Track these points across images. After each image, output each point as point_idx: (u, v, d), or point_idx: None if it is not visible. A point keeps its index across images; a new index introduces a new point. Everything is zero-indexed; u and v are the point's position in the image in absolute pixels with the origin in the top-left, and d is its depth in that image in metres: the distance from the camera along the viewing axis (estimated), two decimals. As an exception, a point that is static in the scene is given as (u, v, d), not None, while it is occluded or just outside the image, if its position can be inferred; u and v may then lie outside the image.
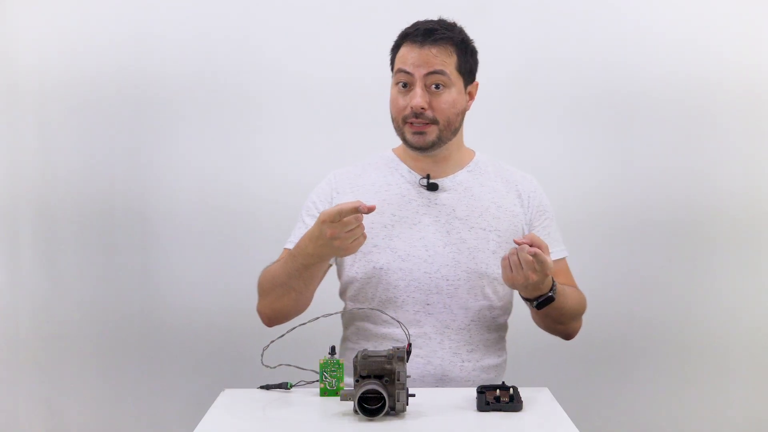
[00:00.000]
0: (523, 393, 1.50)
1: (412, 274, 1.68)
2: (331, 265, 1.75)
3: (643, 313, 2.54)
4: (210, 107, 2.50)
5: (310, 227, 1.63)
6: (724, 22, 2.48)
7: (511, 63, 2.48)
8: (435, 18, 1.72)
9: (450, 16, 1.73)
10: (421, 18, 1.73)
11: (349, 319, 1.79)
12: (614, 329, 2.53)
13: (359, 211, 1.47)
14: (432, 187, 1.73)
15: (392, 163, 1.78)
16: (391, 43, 1.75)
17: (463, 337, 1.69)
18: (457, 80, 1.68)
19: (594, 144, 2.52)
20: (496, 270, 1.70)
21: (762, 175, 2.52)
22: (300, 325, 1.65)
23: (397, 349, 1.41)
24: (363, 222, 1.53)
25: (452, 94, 1.67)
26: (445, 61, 1.65)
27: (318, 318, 1.65)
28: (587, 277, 2.49)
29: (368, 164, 1.80)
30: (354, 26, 2.43)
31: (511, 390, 1.49)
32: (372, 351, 1.44)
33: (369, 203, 1.58)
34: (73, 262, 2.51)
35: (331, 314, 1.65)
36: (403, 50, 1.68)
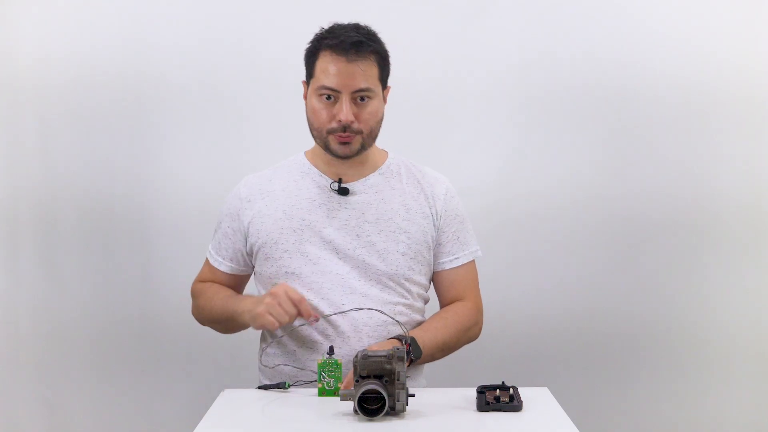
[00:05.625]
0: (523, 393, 1.51)
1: (325, 276, 1.70)
2: (249, 275, 1.82)
3: (641, 314, 2.56)
4: (207, 109, 2.52)
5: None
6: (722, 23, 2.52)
7: (508, 60, 2.51)
8: (351, 24, 1.70)
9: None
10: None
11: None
12: (613, 329, 2.55)
13: (303, 315, 1.61)
14: (342, 192, 1.74)
15: (304, 167, 1.79)
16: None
17: (381, 335, 1.70)
18: (378, 89, 1.70)
19: (589, 144, 2.54)
20: (408, 271, 1.74)
21: (759, 178, 2.54)
22: (300, 325, 1.68)
23: (397, 349, 1.42)
24: (276, 233, 1.66)
25: (375, 104, 1.69)
26: (370, 74, 1.67)
27: (313, 324, 1.67)
28: (586, 278, 2.54)
29: (281, 167, 1.82)
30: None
31: (511, 390, 1.50)
32: (372, 351, 1.45)
33: (280, 209, 1.74)
34: (72, 263, 2.54)
35: (330, 315, 1.68)
36: (326, 61, 1.66)
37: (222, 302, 1.77)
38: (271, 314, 1.58)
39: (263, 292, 1.77)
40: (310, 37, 1.71)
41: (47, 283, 2.53)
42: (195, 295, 1.86)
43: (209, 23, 2.51)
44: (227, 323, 1.77)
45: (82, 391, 2.54)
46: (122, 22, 2.49)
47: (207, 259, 1.86)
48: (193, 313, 1.87)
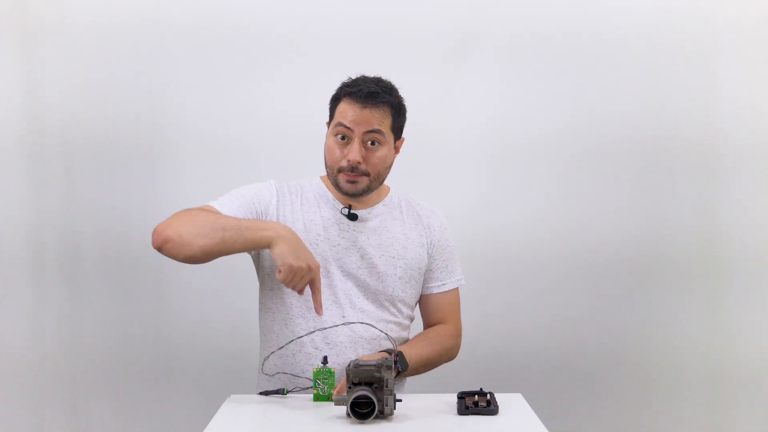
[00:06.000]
0: (499, 398, 1.60)
1: (332, 289, 1.81)
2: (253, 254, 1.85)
3: (605, 327, 2.66)
4: (213, 156, 2.62)
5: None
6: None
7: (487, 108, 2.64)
8: (374, 77, 1.83)
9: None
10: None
11: (269, 326, 1.86)
12: (579, 341, 2.66)
13: (314, 306, 1.68)
14: (352, 217, 1.86)
15: (320, 190, 1.89)
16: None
17: (374, 348, 1.81)
18: (389, 137, 1.81)
19: (561, 186, 2.66)
20: (402, 293, 1.86)
21: (716, 216, 2.67)
22: (297, 338, 1.78)
23: (386, 359, 1.51)
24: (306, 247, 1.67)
25: (384, 150, 1.80)
26: (382, 121, 1.78)
27: (313, 332, 1.78)
28: (554, 296, 2.64)
29: (300, 186, 1.91)
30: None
31: (488, 395, 1.59)
32: (363, 360, 1.54)
33: (301, 221, 1.81)
34: (93, 283, 2.62)
35: (326, 328, 1.77)
36: (344, 105, 1.78)
37: (235, 218, 1.71)
38: (293, 276, 1.62)
39: (265, 285, 1.85)
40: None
41: (71, 301, 2.61)
42: (192, 212, 1.73)
43: (214, 84, 2.61)
44: (230, 232, 1.65)
45: (102, 398, 2.61)
46: (138, 83, 2.59)
47: (209, 205, 1.78)
48: (168, 229, 1.69)
